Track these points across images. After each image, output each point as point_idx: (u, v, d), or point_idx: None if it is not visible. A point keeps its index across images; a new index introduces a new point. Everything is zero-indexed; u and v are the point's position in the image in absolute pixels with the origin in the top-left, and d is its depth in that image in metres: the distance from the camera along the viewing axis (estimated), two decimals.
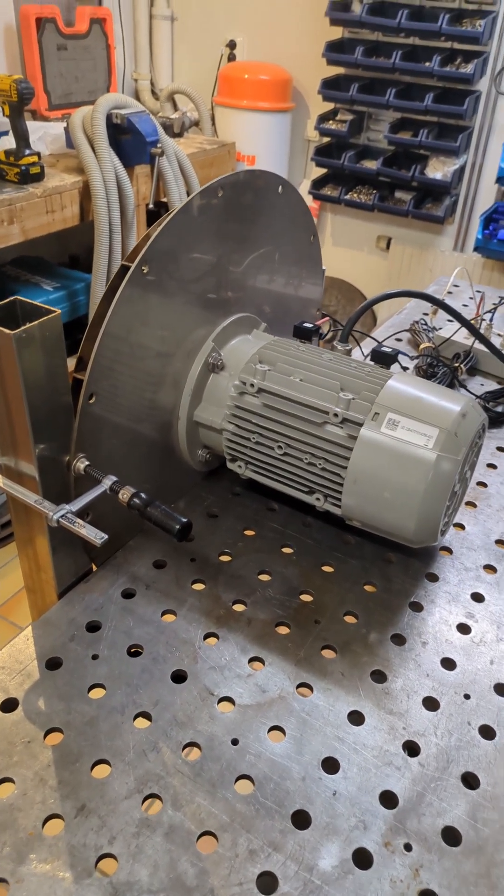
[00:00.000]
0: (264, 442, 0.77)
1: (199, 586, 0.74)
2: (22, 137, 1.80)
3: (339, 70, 2.58)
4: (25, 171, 1.81)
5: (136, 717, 0.61)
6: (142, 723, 0.60)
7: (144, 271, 0.65)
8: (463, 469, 0.73)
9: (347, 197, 2.67)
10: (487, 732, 0.62)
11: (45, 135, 2.14)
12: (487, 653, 0.70)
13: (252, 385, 0.77)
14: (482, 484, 0.94)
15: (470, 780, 0.58)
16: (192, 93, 2.65)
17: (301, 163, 2.91)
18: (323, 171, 2.76)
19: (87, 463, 0.65)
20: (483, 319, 1.26)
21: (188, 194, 2.18)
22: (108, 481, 0.64)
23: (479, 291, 1.39)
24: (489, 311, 1.31)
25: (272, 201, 0.84)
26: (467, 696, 0.65)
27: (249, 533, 0.82)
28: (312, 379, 0.76)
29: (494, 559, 0.81)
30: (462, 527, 0.86)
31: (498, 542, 0.84)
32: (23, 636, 0.67)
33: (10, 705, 0.61)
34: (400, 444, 0.69)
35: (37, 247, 2.28)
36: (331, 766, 0.58)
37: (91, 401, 0.65)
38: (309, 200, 2.86)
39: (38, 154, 1.85)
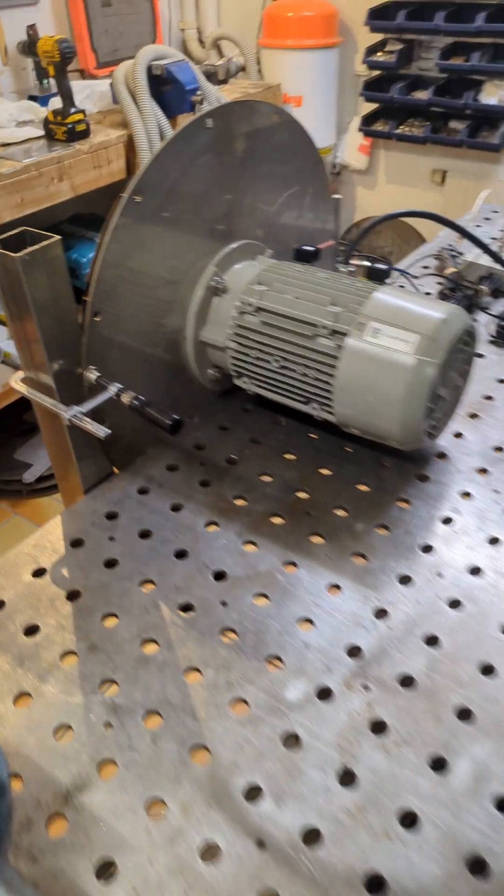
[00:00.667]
0: (263, 357, 0.84)
1: (205, 486, 0.83)
2: (67, 96, 1.89)
3: None
4: (72, 129, 1.90)
5: (142, 583, 0.71)
6: (147, 587, 0.70)
7: (138, 200, 0.73)
8: (446, 373, 0.77)
9: (398, 131, 2.62)
10: (455, 604, 0.68)
11: (92, 93, 2.21)
12: (466, 540, 0.75)
13: (251, 305, 0.84)
14: (489, 398, 0.98)
15: (432, 641, 0.65)
16: (235, 37, 2.65)
17: (352, 100, 2.86)
18: (373, 106, 2.71)
19: (97, 374, 0.75)
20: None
21: None
22: (114, 388, 0.73)
23: None
24: None
25: (269, 130, 0.89)
26: (440, 575, 0.71)
27: (256, 443, 0.90)
28: (305, 296, 0.82)
29: (488, 463, 0.86)
30: (461, 435, 0.91)
31: (496, 448, 0.89)
32: (53, 522, 0.79)
33: (40, 573, 0.72)
34: (381, 351, 0.75)
35: (91, 203, 2.38)
36: (306, 624, 0.66)
37: (97, 319, 0.74)
38: (360, 137, 2.83)
39: (84, 112, 1.93)
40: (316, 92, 2.68)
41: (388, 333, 0.75)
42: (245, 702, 0.60)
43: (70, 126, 1.91)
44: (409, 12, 2.41)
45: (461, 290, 1.20)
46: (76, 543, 0.76)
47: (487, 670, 0.62)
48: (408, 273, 1.23)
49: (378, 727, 0.58)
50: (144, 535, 0.77)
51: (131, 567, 0.72)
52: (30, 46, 2.01)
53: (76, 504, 0.81)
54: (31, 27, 2.29)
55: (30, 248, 0.64)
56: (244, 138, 0.86)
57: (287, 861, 0.50)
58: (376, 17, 2.48)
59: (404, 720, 0.58)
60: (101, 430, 0.68)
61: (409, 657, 0.63)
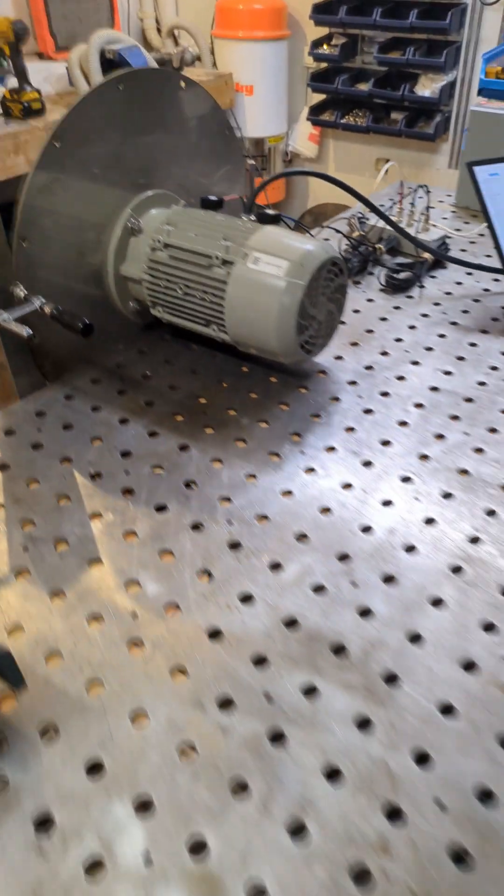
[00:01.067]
0: (171, 286, 1.01)
1: (122, 394, 1.00)
2: (22, 75, 2.04)
3: None
4: (28, 107, 2.05)
5: (62, 460, 0.87)
6: (66, 463, 0.87)
7: (57, 146, 0.89)
8: (315, 297, 0.94)
9: (343, 121, 2.81)
10: (310, 470, 0.86)
11: (49, 75, 2.36)
12: (328, 430, 0.93)
13: (160, 241, 1.01)
14: (370, 331, 1.16)
15: (287, 493, 0.82)
16: (189, 27, 2.82)
17: (301, 90, 3.04)
18: (322, 96, 2.89)
19: (25, 291, 0.91)
20: (403, 209, 1.45)
21: None
22: (38, 301, 0.89)
23: (411, 187, 1.57)
24: (411, 203, 1.49)
25: (177, 95, 1.05)
26: (303, 452, 0.89)
27: (169, 363, 1.07)
28: (204, 234, 0.99)
29: (358, 377, 1.04)
30: (341, 357, 1.09)
31: (367, 367, 1.06)
32: None
33: None
34: (260, 275, 0.92)
35: None
36: (192, 486, 0.83)
37: (24, 244, 0.90)
38: (309, 126, 3.01)
39: (39, 91, 2.08)
40: (266, 82, 2.86)
41: (265, 261, 0.92)
42: (135, 533, 0.77)
43: (26, 104, 2.06)
44: (349, 7, 2.60)
45: (361, 249, 1.37)
46: (9, 433, 0.92)
47: (325, 510, 0.79)
48: (297, 221, 1.40)
49: (234, 546, 0.75)
50: (67, 427, 0.93)
51: (54, 448, 0.89)
52: None
53: (11, 406, 0.97)
54: None
55: None
56: (157, 103, 1.03)
57: (153, 622, 0.67)
58: (320, 12, 2.67)
59: (255, 541, 0.75)
60: (24, 331, 0.84)
61: (267, 505, 0.80)
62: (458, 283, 1.30)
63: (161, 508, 0.80)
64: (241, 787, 0.55)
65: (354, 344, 1.12)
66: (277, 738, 0.58)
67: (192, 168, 1.13)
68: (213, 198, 1.08)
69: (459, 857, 0.50)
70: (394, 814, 0.53)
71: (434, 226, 1.46)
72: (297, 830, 0.52)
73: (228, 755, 0.56)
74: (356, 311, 1.21)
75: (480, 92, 2.56)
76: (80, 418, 0.94)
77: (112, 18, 2.82)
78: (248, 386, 1.02)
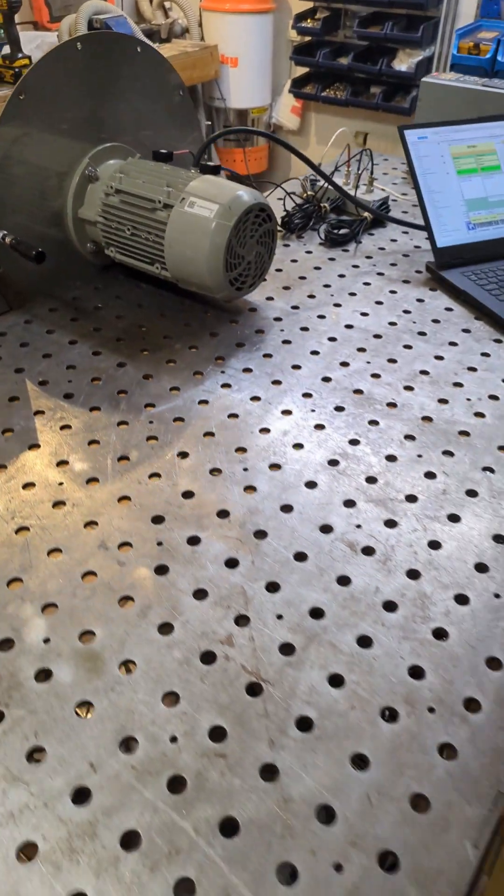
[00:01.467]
0: (121, 228, 1.15)
1: (74, 321, 1.14)
2: (14, 43, 2.15)
3: None
4: (18, 73, 2.17)
5: (16, 371, 1.01)
6: (19, 374, 1.01)
7: (21, 98, 1.02)
8: (243, 237, 1.08)
9: (324, 94, 2.92)
10: (226, 385, 1.00)
11: (42, 43, 2.47)
12: (247, 355, 1.07)
13: (112, 187, 1.14)
14: (302, 277, 1.29)
15: (202, 403, 0.97)
16: (180, 0, 2.91)
17: (285, 63, 3.14)
18: (305, 70, 2.99)
19: None
20: (351, 172, 1.57)
21: None
22: (1, 234, 1.03)
23: (357, 152, 1.69)
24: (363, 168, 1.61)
25: (133, 58, 1.18)
26: (223, 372, 1.03)
27: (119, 298, 1.21)
28: (151, 181, 1.12)
29: (283, 315, 1.18)
30: (272, 298, 1.22)
31: (293, 307, 1.20)
32: None
33: None
34: (193, 217, 1.06)
35: None
36: (122, 394, 0.98)
37: None
38: (292, 99, 3.11)
39: (30, 58, 2.20)
40: (251, 54, 2.96)
41: (199, 205, 1.06)
42: (70, 426, 0.91)
43: (17, 70, 2.18)
44: None
45: (307, 207, 1.51)
46: None
47: (233, 415, 0.94)
48: (230, 170, 1.53)
49: (151, 438, 0.90)
50: (23, 345, 1.07)
51: (9, 362, 1.03)
52: None
53: None
54: None
55: None
56: (115, 64, 1.16)
57: (76, 490, 0.81)
58: None
59: (169, 437, 0.90)
60: None
61: (185, 411, 0.95)
62: (393, 241, 1.43)
63: (94, 409, 0.95)
64: (127, 599, 0.70)
65: (286, 288, 1.26)
66: (161, 570, 0.73)
67: (148, 125, 1.26)
68: (163, 151, 1.22)
69: (288, 650, 0.65)
70: (241, 619, 0.68)
71: (381, 189, 1.59)
72: (165, 628, 0.67)
73: (121, 580, 0.71)
74: (294, 261, 1.34)
75: (453, 67, 2.68)
76: (35, 339, 1.09)
77: None
78: (185, 318, 1.16)
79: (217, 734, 0.59)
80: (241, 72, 2.93)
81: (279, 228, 1.46)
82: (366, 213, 1.46)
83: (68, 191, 1.16)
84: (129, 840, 0.52)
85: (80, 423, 0.92)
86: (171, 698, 0.61)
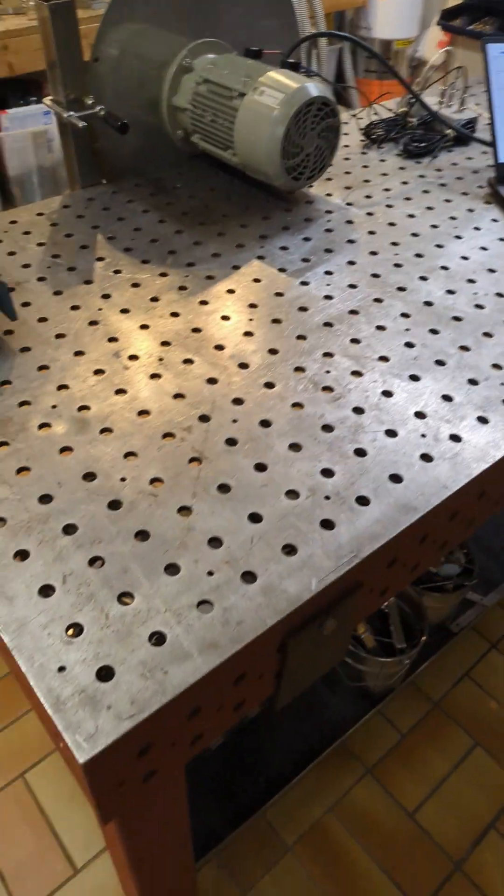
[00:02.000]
0: (204, 114, 1.29)
1: (153, 196, 1.31)
2: None
3: None
4: None
5: (93, 227, 1.20)
6: (94, 229, 1.20)
7: None
8: (303, 128, 1.19)
9: (470, 28, 2.83)
10: (260, 258, 1.14)
11: None
12: (289, 238, 1.19)
13: (202, 77, 1.28)
14: (367, 181, 1.38)
15: (228, 291, 1.11)
16: None
17: None
18: (456, 1, 2.91)
19: (93, 100, 1.22)
20: (446, 90, 1.61)
21: (311, 21, 2.56)
22: (98, 108, 1.21)
23: (458, 68, 1.70)
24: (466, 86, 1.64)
25: None
26: (262, 247, 1.16)
27: (196, 182, 1.36)
28: (233, 72, 1.25)
29: (335, 209, 1.28)
30: (331, 195, 1.33)
31: (348, 203, 1.30)
32: (56, 198, 1.29)
33: (40, 216, 1.24)
34: (260, 105, 1.18)
35: None
36: (183, 255, 1.14)
37: (96, 63, 1.21)
38: (439, 33, 3.04)
39: None
40: None
41: (268, 94, 1.18)
42: (120, 272, 1.09)
43: None
44: None
45: (393, 119, 1.57)
46: (65, 206, 1.26)
47: (257, 280, 1.08)
48: (314, 71, 1.60)
49: (182, 288, 1.06)
50: (105, 209, 1.26)
51: (90, 220, 1.22)
52: None
53: (74, 191, 1.31)
54: None
55: (56, 2, 1.11)
56: None
57: (116, 320, 1.00)
58: None
59: (198, 289, 1.06)
60: (80, 122, 1.16)
61: (218, 272, 1.10)
62: (469, 158, 1.47)
63: (145, 262, 1.12)
64: (121, 392, 0.87)
65: (348, 188, 1.35)
66: (155, 377, 0.90)
67: (250, 26, 1.38)
68: (254, 49, 1.34)
69: (231, 443, 0.81)
70: (204, 418, 0.84)
71: (475, 108, 1.61)
72: (144, 414, 0.84)
73: (121, 378, 0.89)
74: (365, 167, 1.43)
75: None
76: (115, 205, 1.27)
77: None
78: (246, 203, 1.30)
79: (156, 483, 0.76)
80: (390, 1, 2.89)
81: (363, 138, 1.55)
82: (448, 130, 1.50)
83: (165, 80, 1.32)
84: (69, 529, 0.71)
85: (130, 270, 1.10)
86: (132, 456, 0.79)
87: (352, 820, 1.36)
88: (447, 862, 1.30)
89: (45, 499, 0.74)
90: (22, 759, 1.46)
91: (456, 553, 1.53)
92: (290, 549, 0.69)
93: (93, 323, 0.99)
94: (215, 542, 0.70)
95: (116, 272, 1.10)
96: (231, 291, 1.06)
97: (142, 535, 0.70)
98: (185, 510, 0.73)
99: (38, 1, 1.13)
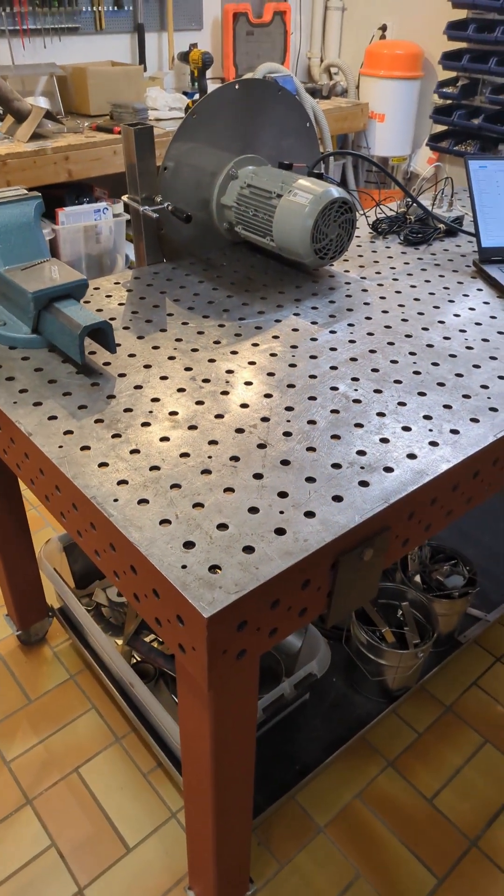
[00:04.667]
0: (247, 210, 1.64)
1: (205, 271, 1.64)
2: (203, 91, 2.78)
3: (461, 44, 3.24)
4: None
5: (160, 292, 1.52)
6: (162, 294, 1.51)
7: (194, 117, 1.55)
8: (328, 219, 1.53)
9: (455, 148, 3.34)
10: (297, 315, 1.44)
11: None
12: (319, 296, 1.51)
13: (245, 183, 1.64)
14: (376, 261, 1.72)
15: (282, 321, 1.42)
16: (342, 65, 3.47)
17: (426, 121, 3.60)
18: (442, 128, 3.44)
19: (160, 198, 1.57)
20: (437, 193, 1.98)
21: (320, 141, 3.02)
22: (167, 204, 1.55)
23: (447, 178, 2.09)
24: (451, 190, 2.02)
25: (274, 97, 1.69)
26: (296, 306, 1.47)
27: (238, 261, 1.70)
28: (272, 179, 1.61)
29: (352, 281, 1.60)
30: (348, 272, 1.66)
31: (361, 277, 1.63)
32: (128, 272, 1.61)
33: (116, 284, 1.55)
34: (294, 203, 1.52)
35: None
36: (224, 313, 1.45)
37: (165, 171, 1.56)
38: (428, 152, 3.56)
39: None
40: (397, 112, 3.46)
41: (300, 195, 1.53)
42: (187, 323, 1.39)
43: None
44: (471, 57, 3.13)
45: (397, 216, 1.93)
46: (136, 278, 1.59)
47: (294, 329, 1.38)
48: (327, 176, 1.98)
49: (237, 335, 1.35)
50: (168, 280, 1.58)
51: (158, 286, 1.54)
52: (186, 56, 2.93)
53: (142, 267, 1.64)
54: (193, 44, 3.22)
55: (139, 126, 1.47)
56: (262, 101, 1.67)
57: (186, 353, 1.29)
58: (448, 59, 3.22)
59: (248, 333, 1.35)
60: (153, 215, 1.50)
61: (263, 324, 1.40)
62: (458, 246, 1.82)
63: (206, 317, 1.43)
64: (200, 403, 1.15)
65: (361, 266, 1.69)
66: (224, 393, 1.17)
67: (280, 146, 1.76)
68: (286, 162, 1.71)
69: (287, 435, 1.07)
70: (265, 419, 1.11)
71: (459, 209, 1.98)
72: (221, 417, 1.11)
73: (201, 394, 1.17)
74: (374, 251, 1.77)
75: None
76: (177, 278, 1.59)
77: (284, 56, 3.55)
78: (281, 276, 1.62)
79: (234, 460, 1.02)
80: (386, 125, 3.42)
81: (371, 231, 1.91)
82: (440, 224, 1.86)
83: (215, 184, 1.68)
84: (175, 487, 0.96)
85: (195, 322, 1.40)
86: (213, 444, 1.05)
87: (377, 804, 1.51)
88: (464, 839, 1.45)
89: (154, 469, 1.00)
90: (77, 756, 1.63)
91: (461, 567, 1.76)
92: (338, 499, 0.95)
93: (171, 358, 1.28)
94: (283, 494, 0.95)
95: (184, 323, 1.40)
96: (276, 337, 1.35)
97: (229, 491, 0.96)
98: (258, 476, 0.99)
99: (125, 126, 1.50)
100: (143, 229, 1.61)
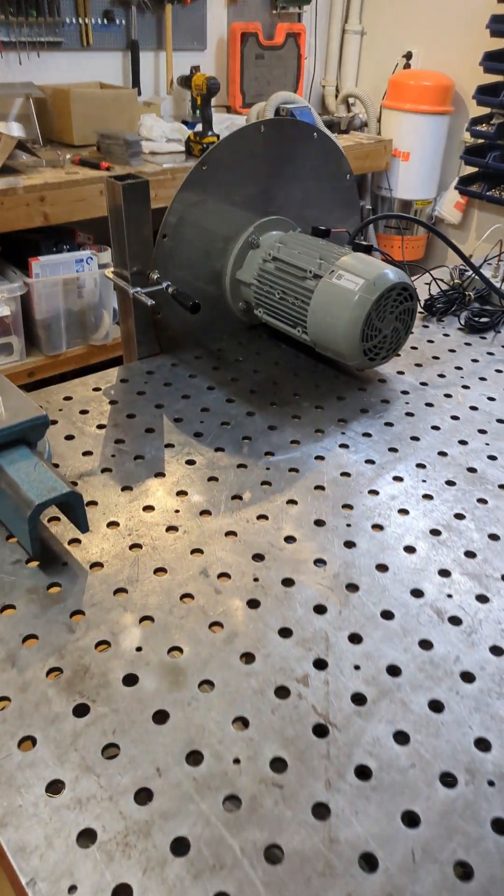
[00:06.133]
0: (272, 291, 1.25)
1: (216, 370, 1.24)
2: (207, 121, 2.41)
3: (498, 77, 2.90)
4: (206, 147, 2.41)
5: (156, 405, 1.12)
6: (159, 408, 1.11)
7: (204, 168, 1.16)
8: (383, 312, 1.14)
9: (490, 193, 2.98)
10: (343, 446, 1.05)
11: (231, 125, 2.74)
12: (370, 423, 1.11)
13: (270, 255, 1.25)
14: (436, 357, 1.33)
15: (319, 458, 1.02)
16: (362, 96, 3.13)
17: (454, 161, 3.25)
18: (473, 169, 3.09)
19: (158, 275, 1.17)
20: (501, 266, 1.61)
21: None
22: (165, 283, 1.16)
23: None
24: None
25: (309, 143, 1.30)
26: (343, 433, 1.08)
27: (258, 354, 1.30)
28: (305, 252, 1.22)
29: (412, 389, 1.21)
30: (402, 373, 1.27)
31: (422, 383, 1.24)
32: (113, 369, 1.22)
33: (97, 390, 1.15)
34: (339, 288, 1.13)
35: None
36: (246, 440, 1.05)
37: (165, 239, 1.17)
38: (456, 195, 3.20)
39: (218, 136, 2.44)
40: (423, 150, 3.10)
41: (346, 278, 1.13)
42: (194, 462, 0.99)
43: (206, 145, 2.43)
44: None
45: (451, 293, 1.55)
46: (123, 381, 1.19)
47: (345, 474, 0.98)
48: (384, 253, 1.60)
49: (265, 483, 0.95)
50: (167, 384, 1.18)
51: (152, 397, 1.14)
52: (187, 80, 2.56)
53: (129, 364, 1.24)
54: (195, 67, 2.84)
55: (129, 181, 1.08)
56: (290, 147, 1.29)
57: (189, 518, 0.88)
58: (483, 93, 2.88)
59: (282, 485, 0.95)
60: (148, 300, 1.10)
61: (300, 463, 1.00)
62: None
63: (219, 449, 1.03)
64: (217, 625, 0.74)
65: (418, 365, 1.30)
66: (253, 604, 0.77)
67: (312, 204, 1.38)
68: (322, 228, 1.32)
69: (359, 700, 0.67)
70: (320, 663, 0.70)
71: None
72: (247, 657, 0.71)
73: (215, 607, 0.76)
74: (430, 342, 1.38)
75: None
76: (178, 380, 1.19)
77: (297, 83, 3.20)
78: (316, 379, 1.23)
79: (278, 765, 0.61)
80: (411, 165, 3.07)
81: (421, 310, 1.52)
82: None
83: (230, 253, 1.29)
84: (179, 846, 0.56)
85: (205, 459, 1.00)
86: (241, 723, 0.65)
87: None
88: None
89: (143, 798, 0.59)
90: None
91: None
92: (462, 868, 0.54)
93: (171, 529, 0.87)
94: (369, 860, 0.54)
95: (190, 462, 1.00)
96: (320, 488, 0.95)
97: (274, 855, 0.55)
98: (321, 809, 0.58)
99: (110, 180, 1.10)
100: (132, 313, 1.21)
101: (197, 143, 2.42)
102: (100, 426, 1.06)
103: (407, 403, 1.17)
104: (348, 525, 0.89)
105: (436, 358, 1.33)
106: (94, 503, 0.91)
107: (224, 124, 2.72)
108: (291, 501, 0.93)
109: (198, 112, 2.87)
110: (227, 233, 1.27)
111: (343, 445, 1.05)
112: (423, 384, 1.23)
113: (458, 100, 3.14)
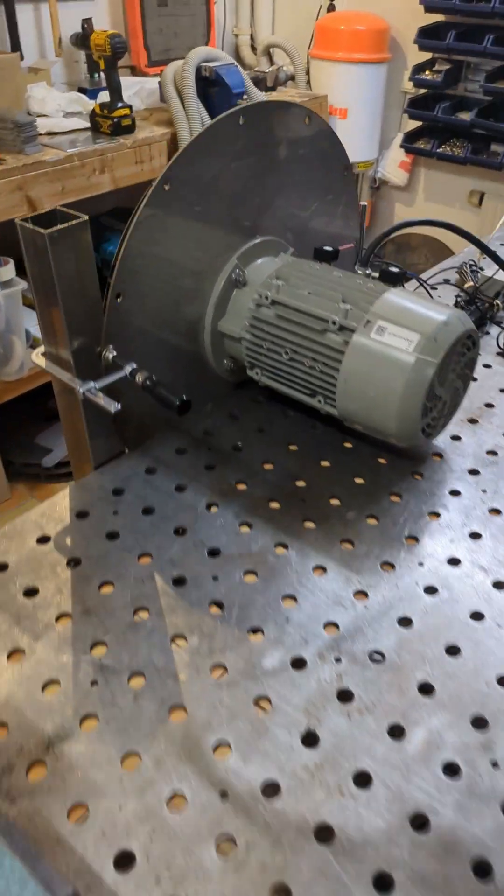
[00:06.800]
0: (275, 349, 0.88)
1: (210, 469, 0.87)
2: (115, 91, 1.96)
3: (439, 17, 2.55)
4: (117, 123, 1.97)
5: (140, 556, 0.75)
6: (144, 560, 0.75)
7: (166, 188, 0.77)
8: (445, 374, 0.81)
9: (440, 150, 2.66)
10: (431, 590, 0.72)
11: (140, 90, 2.29)
12: (450, 534, 0.78)
13: (267, 298, 0.88)
14: (489, 405, 1.01)
15: (405, 622, 0.68)
16: (286, 46, 2.71)
17: (396, 116, 2.90)
18: (417, 123, 2.75)
19: (114, 353, 0.79)
20: None
21: None
22: (129, 367, 0.77)
23: None
24: None
25: (298, 131, 0.93)
26: (421, 564, 0.75)
27: (262, 432, 0.94)
28: (319, 292, 0.86)
29: (480, 465, 0.89)
30: (458, 438, 0.94)
31: (490, 452, 0.91)
32: (61, 494, 0.83)
33: (44, 540, 0.77)
34: (385, 348, 0.78)
35: (131, 198, 2.45)
36: (289, 601, 0.70)
37: (118, 300, 0.78)
38: (402, 154, 2.86)
39: (130, 107, 2.00)
40: (362, 105, 2.73)
41: (392, 332, 0.79)
42: (224, 667, 0.64)
43: (116, 120, 1.98)
44: (458, 33, 2.45)
45: (476, 303, 1.23)
46: (81, 515, 0.80)
47: (452, 650, 0.65)
48: (422, 280, 1.26)
49: (344, 696, 0.61)
50: (147, 511, 0.81)
51: (131, 540, 0.77)
52: (83, 39, 2.07)
53: (85, 478, 0.86)
54: (87, 21, 2.32)
55: (59, 226, 0.68)
56: (276, 139, 0.91)
57: (246, 810, 0.54)
58: (426, 36, 2.52)
59: (369, 690, 0.61)
60: (112, 406, 0.72)
61: (381, 635, 0.67)
62: None
63: (255, 631, 0.67)
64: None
65: (473, 421, 0.97)
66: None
67: (303, 209, 1.01)
68: (327, 248, 0.95)
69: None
70: None
71: None
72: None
73: None
74: (473, 379, 1.06)
75: None
76: (162, 500, 0.82)
77: (208, 34, 2.74)
78: (352, 468, 0.88)
79: None
80: (349, 123, 2.68)
81: None
82: None
83: (209, 297, 0.91)
84: None
85: (239, 659, 0.65)
86: None
87: None
88: None
89: None
90: None
91: None
92: None
93: (226, 839, 0.52)
94: None
95: (217, 667, 0.64)
96: (428, 689, 0.62)
97: None
98: None
99: (25, 226, 0.70)
100: (82, 414, 0.82)
101: (105, 117, 1.97)
102: (60, 616, 0.69)
103: (483, 492, 0.84)
104: (494, 764, 0.56)
105: (489, 406, 1.00)
106: (80, 805, 0.54)
107: (132, 90, 2.26)
108: (396, 729, 0.59)
109: (96, 76, 2.39)
110: (201, 267, 0.89)
111: (430, 590, 0.72)
112: (492, 453, 0.91)
113: (394, 45, 2.76)
